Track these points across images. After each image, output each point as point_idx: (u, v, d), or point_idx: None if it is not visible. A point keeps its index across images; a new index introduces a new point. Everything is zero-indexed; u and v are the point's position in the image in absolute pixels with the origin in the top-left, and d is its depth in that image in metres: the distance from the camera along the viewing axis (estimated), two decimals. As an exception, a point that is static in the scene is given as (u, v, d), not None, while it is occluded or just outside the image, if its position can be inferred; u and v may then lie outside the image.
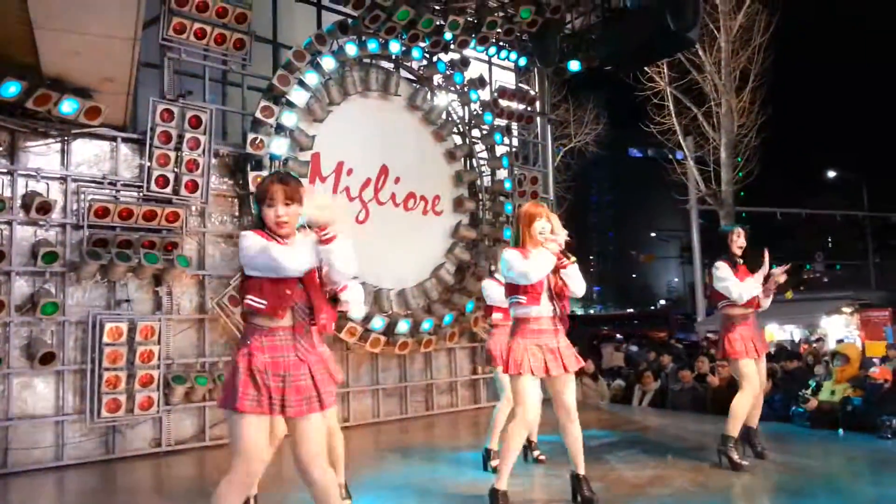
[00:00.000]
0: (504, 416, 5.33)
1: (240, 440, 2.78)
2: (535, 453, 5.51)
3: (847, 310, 18.19)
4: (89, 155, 6.51)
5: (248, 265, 2.84)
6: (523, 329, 4.09)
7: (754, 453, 5.32)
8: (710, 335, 14.10)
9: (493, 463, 5.25)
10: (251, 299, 2.84)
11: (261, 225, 2.95)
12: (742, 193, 20.38)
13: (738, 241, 5.29)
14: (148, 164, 6.50)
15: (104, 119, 6.22)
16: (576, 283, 4.16)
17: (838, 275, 33.44)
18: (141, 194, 6.54)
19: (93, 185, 6.44)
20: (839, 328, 17.81)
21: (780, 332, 18.20)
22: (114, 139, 6.60)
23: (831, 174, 31.91)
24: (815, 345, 14.49)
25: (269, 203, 2.87)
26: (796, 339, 17.60)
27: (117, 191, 6.54)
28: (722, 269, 5.18)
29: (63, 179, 6.32)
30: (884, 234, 30.13)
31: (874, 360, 9.39)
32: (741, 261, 5.28)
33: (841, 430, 6.42)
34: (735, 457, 5.04)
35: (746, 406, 5.12)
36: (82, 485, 5.51)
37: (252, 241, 2.82)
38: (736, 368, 5.23)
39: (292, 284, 2.85)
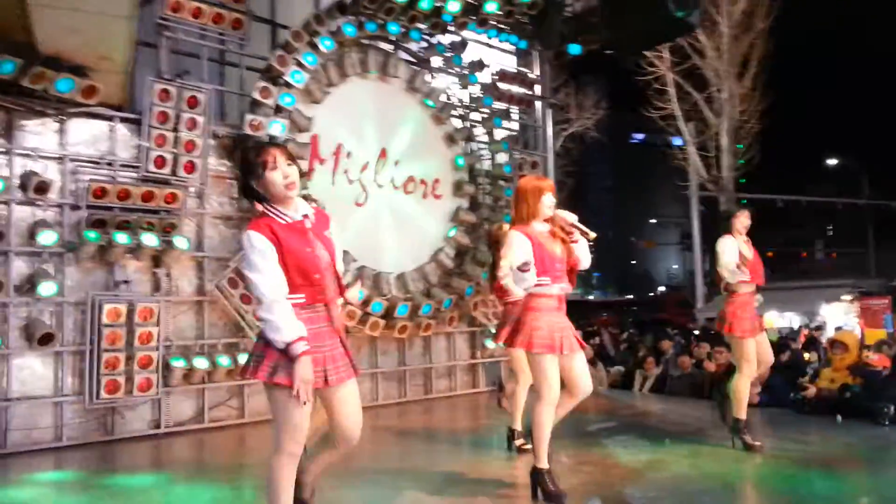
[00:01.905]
0: (525, 395, 5.27)
1: (290, 418, 2.79)
2: (519, 442, 5.31)
3: (846, 297, 18.22)
4: (87, 134, 6.46)
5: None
6: (541, 306, 3.98)
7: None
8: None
9: (518, 442, 5.26)
10: (289, 297, 2.84)
11: (254, 198, 2.93)
12: (743, 180, 20.35)
13: (743, 220, 5.30)
14: (146, 144, 6.46)
15: (101, 98, 6.17)
16: (585, 255, 4.11)
17: (838, 262, 33.43)
18: (139, 175, 6.49)
19: (90, 165, 6.39)
20: (838, 316, 17.85)
21: (779, 320, 18.23)
22: (111, 119, 6.53)
23: (832, 162, 31.87)
24: (814, 332, 14.52)
25: (273, 167, 2.83)
26: (795, 327, 17.64)
27: (115, 171, 6.49)
28: (723, 242, 5.20)
29: (61, 159, 6.27)
30: (884, 223, 30.09)
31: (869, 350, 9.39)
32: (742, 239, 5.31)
33: (839, 417, 6.44)
34: (748, 438, 5.08)
35: (747, 387, 5.15)
36: (81, 466, 5.51)
37: (257, 252, 2.79)
38: (739, 347, 5.20)
39: (318, 268, 2.87)
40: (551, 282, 3.98)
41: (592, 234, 4.07)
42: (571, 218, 4.06)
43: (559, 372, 3.98)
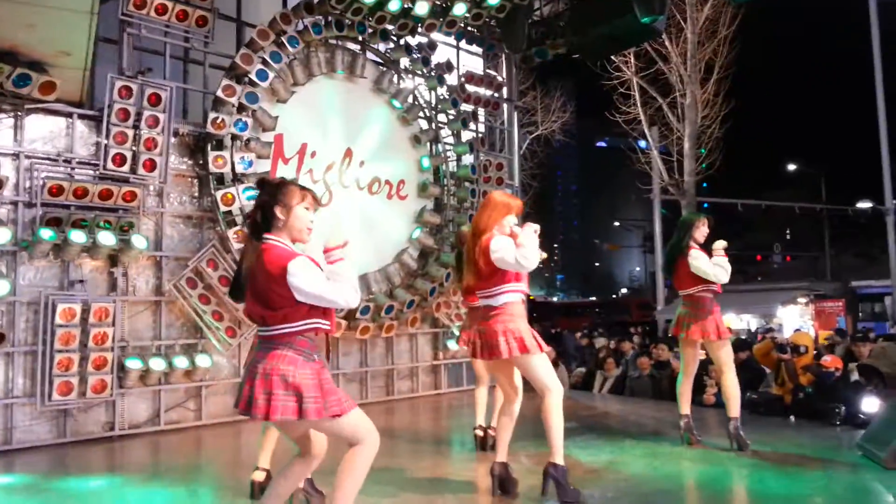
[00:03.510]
0: (485, 396, 5.48)
1: (362, 428, 3.00)
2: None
3: (802, 300, 18.65)
4: (44, 131, 6.32)
5: (305, 297, 2.85)
6: (522, 311, 4.12)
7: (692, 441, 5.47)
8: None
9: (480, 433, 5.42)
10: (319, 323, 2.93)
11: (264, 227, 2.96)
12: (704, 184, 20.69)
13: (703, 229, 5.40)
14: (105, 141, 6.34)
15: (59, 94, 6.04)
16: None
17: (795, 266, 34.20)
18: (97, 173, 6.38)
19: (47, 162, 6.26)
20: (794, 318, 18.26)
21: (737, 322, 18.59)
22: (70, 115, 6.41)
23: (791, 167, 32.55)
24: (769, 335, 14.82)
25: (307, 206, 3.00)
26: (752, 329, 17.99)
27: (72, 168, 6.36)
28: (698, 255, 5.28)
29: (16, 156, 6.12)
30: (841, 227, 30.84)
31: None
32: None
33: (792, 417, 6.59)
34: (742, 435, 5.23)
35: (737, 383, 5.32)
36: (32, 469, 5.38)
37: (313, 275, 2.86)
38: (724, 349, 5.32)
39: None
40: (522, 288, 4.11)
41: (543, 255, 4.13)
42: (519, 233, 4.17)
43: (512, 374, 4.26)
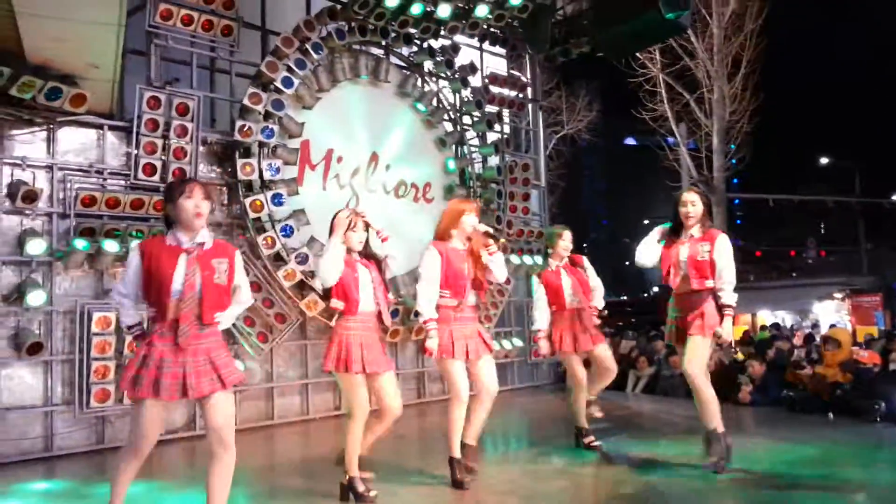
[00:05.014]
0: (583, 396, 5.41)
1: (133, 424, 3.30)
2: (588, 439, 5.41)
3: (838, 295, 18.31)
4: (75, 143, 6.44)
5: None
6: (448, 317, 4.44)
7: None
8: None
9: (586, 440, 5.37)
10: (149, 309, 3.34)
11: (169, 224, 3.35)
12: (735, 180, 20.39)
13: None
14: (135, 152, 6.45)
15: (90, 107, 6.15)
16: (500, 269, 4.59)
17: (830, 261, 33.53)
18: (128, 183, 6.48)
19: (79, 173, 6.38)
20: (830, 313, 17.93)
21: (772, 318, 18.30)
22: (100, 127, 6.53)
23: (824, 161, 31.96)
24: (810, 331, 14.58)
25: (188, 195, 3.23)
26: (788, 325, 17.70)
27: (104, 179, 6.47)
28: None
29: (49, 168, 6.25)
30: (876, 221, 30.16)
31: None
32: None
33: (830, 414, 6.46)
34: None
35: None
36: (72, 475, 5.48)
37: (128, 263, 3.37)
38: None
39: (169, 290, 3.21)
40: (451, 295, 4.44)
41: (499, 242, 4.52)
42: (482, 228, 4.52)
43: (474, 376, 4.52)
